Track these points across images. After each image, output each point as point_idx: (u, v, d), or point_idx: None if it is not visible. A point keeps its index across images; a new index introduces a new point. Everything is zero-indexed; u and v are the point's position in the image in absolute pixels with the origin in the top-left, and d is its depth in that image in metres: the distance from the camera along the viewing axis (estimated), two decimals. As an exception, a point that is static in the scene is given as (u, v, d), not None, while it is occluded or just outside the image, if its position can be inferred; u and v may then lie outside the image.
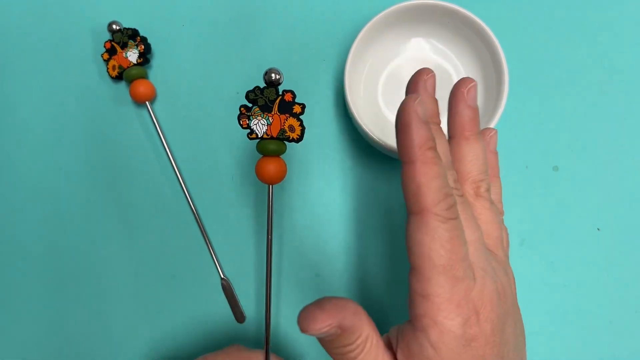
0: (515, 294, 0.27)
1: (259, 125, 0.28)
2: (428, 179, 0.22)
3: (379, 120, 0.36)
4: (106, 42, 0.39)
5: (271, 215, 0.29)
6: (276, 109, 0.28)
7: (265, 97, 0.28)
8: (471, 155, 0.26)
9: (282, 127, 0.28)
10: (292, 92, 0.28)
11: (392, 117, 0.37)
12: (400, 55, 0.37)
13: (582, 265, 0.35)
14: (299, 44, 0.39)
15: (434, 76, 0.27)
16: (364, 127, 0.33)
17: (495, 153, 0.29)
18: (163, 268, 0.37)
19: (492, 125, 0.32)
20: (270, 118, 0.28)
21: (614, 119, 0.37)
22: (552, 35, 0.38)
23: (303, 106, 0.28)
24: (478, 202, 0.26)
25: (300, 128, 0.28)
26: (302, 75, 0.39)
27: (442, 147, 0.25)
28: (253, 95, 0.28)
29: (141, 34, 0.39)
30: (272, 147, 0.28)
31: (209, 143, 0.38)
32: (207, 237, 0.37)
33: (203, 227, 0.37)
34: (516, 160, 0.37)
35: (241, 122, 0.28)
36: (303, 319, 0.22)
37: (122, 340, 0.37)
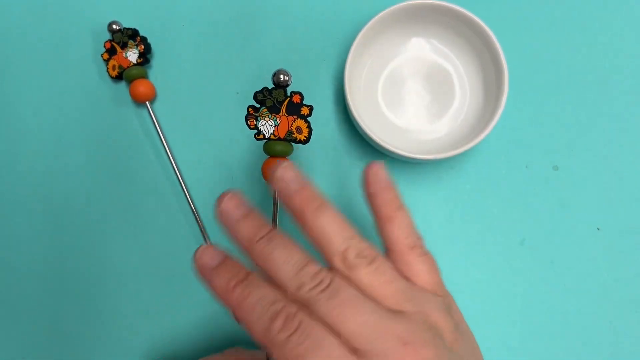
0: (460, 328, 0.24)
1: (267, 126, 0.29)
2: (249, 316, 0.21)
3: (379, 120, 0.36)
4: (106, 42, 0.39)
5: (276, 216, 0.29)
6: (284, 110, 0.28)
7: (274, 98, 0.28)
8: (328, 230, 0.23)
9: (289, 129, 0.28)
10: (300, 93, 0.28)
11: (392, 117, 0.37)
12: (400, 55, 0.37)
13: (582, 265, 0.35)
14: (299, 44, 0.39)
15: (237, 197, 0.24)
16: (364, 127, 0.33)
17: (390, 187, 0.26)
18: (163, 268, 0.37)
19: (492, 125, 0.32)
20: (278, 119, 0.28)
21: (614, 119, 0.37)
22: (552, 35, 0.38)
23: (311, 108, 0.28)
24: (367, 275, 0.22)
25: (307, 130, 0.28)
26: (302, 75, 0.39)
27: None
28: (261, 96, 0.28)
29: (141, 34, 0.39)
30: (279, 148, 0.29)
31: (209, 143, 0.38)
32: (207, 237, 0.37)
33: (203, 227, 0.37)
34: (516, 160, 0.37)
35: (249, 123, 0.29)
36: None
37: (122, 340, 0.37)
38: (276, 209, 0.29)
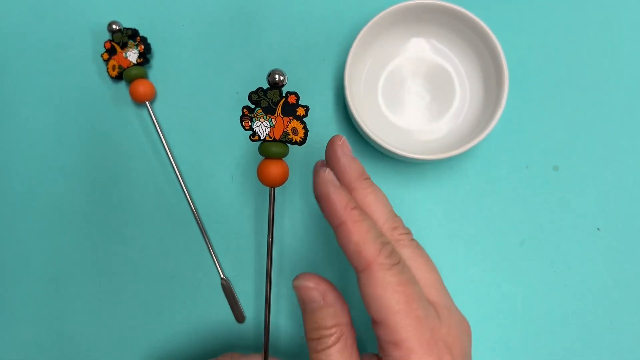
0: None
1: (262, 127, 0.28)
2: (362, 235, 0.23)
3: (379, 120, 0.36)
4: (106, 42, 0.39)
5: (272, 218, 0.29)
6: (279, 111, 0.28)
7: (269, 98, 0.28)
8: (378, 202, 0.26)
9: (285, 130, 0.28)
10: (296, 94, 0.28)
11: (392, 117, 0.37)
12: (400, 55, 0.37)
13: (582, 265, 0.35)
14: (299, 44, 0.39)
15: (345, 139, 0.27)
16: (364, 127, 0.33)
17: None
18: (163, 268, 0.37)
19: (492, 125, 0.32)
20: (273, 120, 0.28)
21: (614, 119, 0.37)
22: (552, 35, 0.38)
23: (307, 108, 0.28)
24: (405, 247, 0.26)
25: (303, 131, 0.28)
26: (302, 75, 0.39)
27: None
28: (256, 97, 0.28)
29: (141, 34, 0.39)
30: (274, 149, 0.28)
31: (209, 143, 0.38)
32: (207, 237, 0.37)
33: (203, 227, 0.37)
34: (516, 160, 0.37)
35: (243, 124, 0.28)
36: (299, 276, 0.25)
37: (122, 340, 0.37)
38: (272, 213, 0.29)
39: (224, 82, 0.39)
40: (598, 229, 0.36)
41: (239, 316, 0.36)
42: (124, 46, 0.39)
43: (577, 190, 0.36)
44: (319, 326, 0.24)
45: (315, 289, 0.24)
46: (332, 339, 0.24)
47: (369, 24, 0.34)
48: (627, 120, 0.37)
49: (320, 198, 0.24)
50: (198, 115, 0.39)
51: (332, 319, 0.24)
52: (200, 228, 0.37)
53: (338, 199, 0.23)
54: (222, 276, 0.36)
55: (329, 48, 0.39)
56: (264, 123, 0.28)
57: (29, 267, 0.38)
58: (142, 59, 0.38)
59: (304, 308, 0.25)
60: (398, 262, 0.23)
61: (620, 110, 0.37)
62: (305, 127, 0.28)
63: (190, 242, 0.37)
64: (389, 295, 0.22)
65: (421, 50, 0.37)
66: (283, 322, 0.36)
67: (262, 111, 0.28)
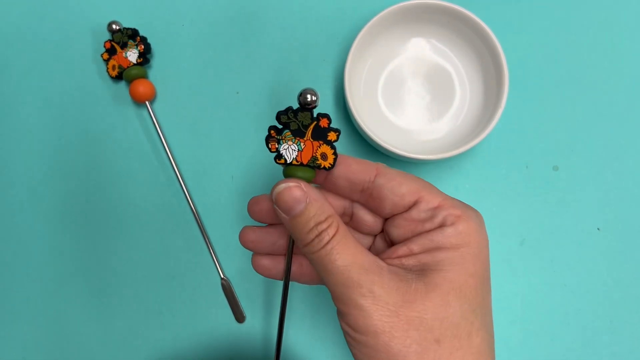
0: None
1: (289, 151, 0.26)
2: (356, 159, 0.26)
3: (379, 120, 0.36)
4: (106, 42, 0.39)
5: (292, 248, 0.27)
6: (309, 134, 0.26)
7: (299, 121, 0.26)
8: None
9: (314, 154, 0.26)
10: (328, 117, 0.26)
11: (392, 117, 0.37)
12: (400, 55, 0.37)
13: (582, 265, 0.35)
14: (299, 44, 0.39)
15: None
16: (364, 127, 0.33)
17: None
18: (163, 268, 0.37)
19: (492, 125, 0.32)
20: (302, 144, 0.26)
21: (614, 119, 0.37)
22: (552, 35, 0.38)
23: (339, 133, 0.26)
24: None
25: (333, 157, 0.26)
26: (302, 75, 0.39)
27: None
28: (285, 118, 0.26)
29: (141, 34, 0.39)
30: (300, 174, 0.26)
31: (209, 143, 0.38)
32: (207, 237, 0.37)
33: (203, 227, 0.37)
34: (516, 160, 0.37)
35: (270, 146, 0.26)
36: (278, 184, 0.24)
37: (122, 340, 0.37)
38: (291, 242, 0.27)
39: (224, 82, 0.39)
40: (598, 229, 0.36)
41: (239, 316, 0.36)
42: (124, 46, 0.39)
43: (577, 190, 0.36)
44: (315, 222, 0.23)
45: (298, 187, 0.24)
46: (331, 230, 0.23)
47: (369, 24, 0.34)
48: (627, 120, 0.37)
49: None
50: (198, 115, 0.39)
51: (324, 211, 0.24)
52: (200, 228, 0.37)
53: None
54: (222, 276, 0.36)
55: (329, 48, 0.39)
56: (292, 146, 0.26)
57: (29, 267, 0.38)
58: (142, 59, 0.38)
59: (291, 213, 0.24)
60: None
61: (620, 110, 0.37)
62: (335, 153, 0.26)
63: (190, 242, 0.37)
64: (408, 177, 0.25)
65: (421, 50, 0.37)
66: (286, 325, 0.36)
67: (291, 134, 0.26)
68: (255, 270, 0.29)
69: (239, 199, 0.37)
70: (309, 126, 0.26)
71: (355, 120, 0.33)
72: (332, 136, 0.26)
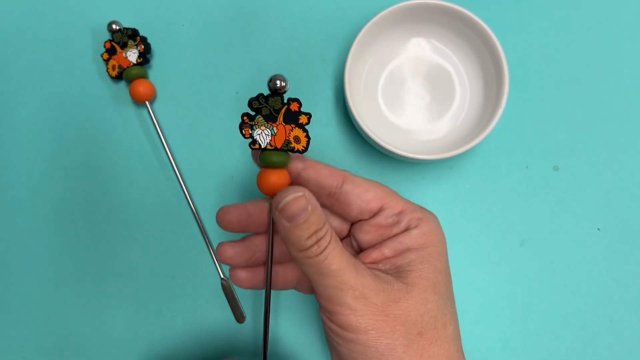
0: None
1: (263, 136, 0.27)
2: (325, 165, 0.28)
3: (379, 120, 0.36)
4: (106, 42, 0.39)
5: (272, 228, 0.28)
6: (281, 118, 0.27)
7: (270, 106, 0.26)
8: None
9: (287, 138, 0.27)
10: (298, 100, 0.27)
11: (392, 117, 0.37)
12: (400, 55, 0.37)
13: (582, 265, 0.35)
14: (299, 44, 0.39)
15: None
16: (364, 127, 0.33)
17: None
18: (163, 268, 0.37)
19: (492, 125, 0.32)
20: (274, 128, 0.27)
21: (614, 119, 0.37)
22: (552, 35, 0.38)
23: (309, 116, 0.27)
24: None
25: (306, 139, 0.27)
26: (302, 75, 0.39)
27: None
28: (257, 104, 0.26)
29: (141, 34, 0.39)
30: (275, 158, 0.27)
31: (209, 143, 0.38)
32: (207, 237, 0.37)
33: (203, 227, 0.37)
34: (516, 160, 0.37)
35: (243, 132, 0.27)
36: (283, 192, 0.25)
37: (121, 340, 0.37)
38: (272, 226, 0.28)
39: (224, 82, 0.39)
40: (598, 229, 0.36)
41: (239, 316, 0.36)
42: (124, 46, 0.39)
43: (577, 190, 0.36)
44: (314, 229, 0.24)
45: (304, 196, 0.24)
46: (327, 236, 0.25)
47: (369, 24, 0.34)
48: (627, 120, 0.37)
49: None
50: (198, 115, 0.39)
51: (322, 218, 0.25)
52: (200, 228, 0.37)
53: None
54: (222, 276, 0.36)
55: (329, 48, 0.39)
56: (265, 131, 0.27)
57: (29, 267, 0.38)
58: (142, 59, 0.38)
59: (295, 221, 0.24)
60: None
61: (620, 110, 0.37)
62: (307, 135, 0.27)
63: (190, 242, 0.37)
64: (373, 184, 0.28)
65: (421, 50, 0.37)
66: (282, 322, 0.36)
67: (263, 119, 0.27)
68: (234, 284, 0.29)
69: (239, 199, 0.37)
70: (280, 110, 0.27)
71: (355, 120, 0.33)
72: (303, 119, 0.27)
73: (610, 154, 0.36)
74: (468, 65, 0.36)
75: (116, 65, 0.39)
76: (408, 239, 0.26)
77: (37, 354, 0.37)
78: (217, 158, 0.38)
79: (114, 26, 0.39)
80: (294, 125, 0.27)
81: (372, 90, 0.37)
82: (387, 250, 0.26)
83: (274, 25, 0.40)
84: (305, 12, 0.40)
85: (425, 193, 0.37)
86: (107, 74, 0.40)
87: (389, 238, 0.27)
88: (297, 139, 0.27)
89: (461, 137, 0.35)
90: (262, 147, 0.27)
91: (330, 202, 0.28)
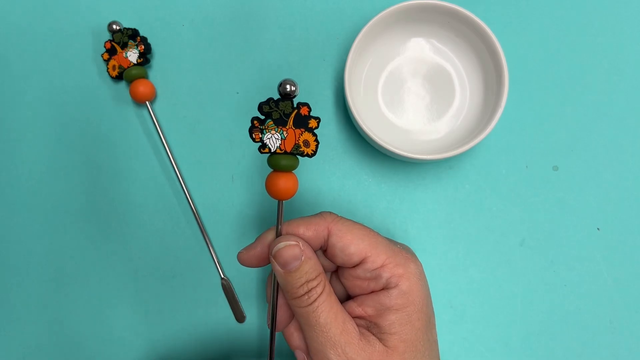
0: None
1: (273, 140, 0.27)
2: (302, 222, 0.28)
3: (379, 120, 0.36)
4: (106, 42, 0.39)
5: (280, 232, 0.28)
6: (291, 123, 0.27)
7: (281, 110, 0.27)
8: None
9: (296, 142, 0.27)
10: (308, 105, 0.27)
11: (392, 117, 0.37)
12: (400, 55, 0.37)
13: (582, 265, 0.35)
14: (299, 44, 0.39)
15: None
16: (364, 127, 0.33)
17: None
18: (163, 268, 0.37)
19: (492, 125, 0.32)
20: (284, 132, 0.27)
21: (614, 119, 0.37)
22: (552, 35, 0.38)
23: (319, 120, 0.27)
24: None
25: (315, 143, 0.27)
26: (302, 75, 0.39)
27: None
28: (267, 108, 0.27)
29: (141, 34, 0.39)
30: (284, 162, 0.27)
31: (209, 143, 0.38)
32: (207, 237, 0.37)
33: (203, 227, 0.37)
34: (516, 160, 0.37)
35: (253, 136, 0.27)
36: (279, 240, 0.26)
37: (122, 340, 0.37)
38: (280, 222, 0.28)
39: (224, 82, 0.39)
40: (598, 229, 0.36)
41: (239, 316, 0.36)
42: (124, 46, 0.39)
43: (577, 190, 0.36)
44: (306, 279, 0.25)
45: (297, 245, 0.26)
46: (318, 288, 0.25)
47: (369, 24, 0.34)
48: (627, 120, 0.37)
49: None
50: (198, 115, 0.39)
51: (315, 269, 0.26)
52: (200, 228, 0.37)
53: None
54: (222, 276, 0.36)
55: (329, 48, 0.39)
56: (275, 135, 0.27)
57: (29, 267, 0.38)
58: (142, 59, 0.38)
59: (287, 268, 0.26)
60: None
61: (620, 110, 0.37)
62: (316, 140, 0.27)
63: (190, 242, 0.37)
64: (357, 233, 0.27)
65: (421, 50, 0.37)
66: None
67: (274, 123, 0.27)
68: (240, 261, 0.29)
69: (239, 199, 0.37)
70: (291, 115, 0.27)
71: (355, 120, 0.33)
72: (312, 123, 0.27)
73: (610, 154, 0.36)
74: (468, 65, 0.36)
75: (116, 65, 0.39)
76: (388, 300, 0.26)
77: (37, 354, 0.37)
78: (217, 158, 0.38)
79: (114, 26, 0.39)
80: (303, 130, 0.27)
81: (372, 90, 0.37)
82: (368, 308, 0.27)
83: (274, 25, 0.40)
84: (305, 12, 0.40)
85: (425, 193, 0.37)
86: (107, 74, 0.40)
87: (370, 294, 0.27)
88: (306, 143, 0.27)
89: (461, 137, 0.35)
90: (272, 151, 0.27)
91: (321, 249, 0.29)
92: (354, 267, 0.27)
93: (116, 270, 0.37)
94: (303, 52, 0.39)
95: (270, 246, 0.27)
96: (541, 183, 0.36)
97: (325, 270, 0.30)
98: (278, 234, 0.28)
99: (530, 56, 0.38)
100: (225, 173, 0.38)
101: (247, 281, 0.37)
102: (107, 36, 0.40)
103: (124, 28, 0.39)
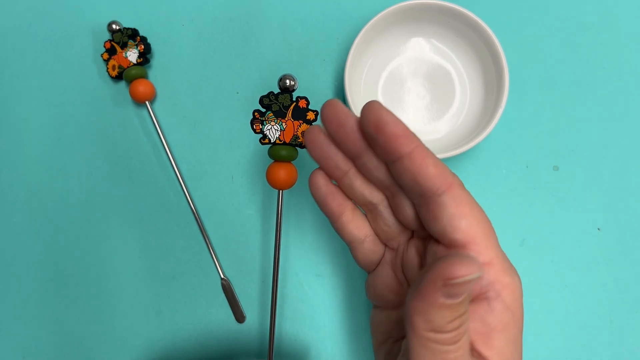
0: None
1: (272, 131, 0.29)
2: (434, 156, 0.21)
3: (379, 120, 0.36)
4: (106, 42, 0.39)
5: (280, 219, 0.29)
6: (290, 115, 0.28)
7: (280, 102, 0.28)
8: None
9: (295, 133, 0.28)
10: (306, 98, 0.28)
11: (392, 117, 0.36)
12: (400, 55, 0.37)
13: (582, 265, 0.35)
14: (299, 44, 0.39)
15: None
16: (364, 127, 0.33)
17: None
18: (163, 268, 0.37)
19: (492, 125, 0.32)
20: (283, 124, 0.28)
21: (614, 119, 0.37)
22: (552, 35, 0.38)
23: (317, 113, 0.28)
24: None
25: None
26: (302, 75, 0.39)
27: None
28: (267, 101, 0.28)
29: (141, 34, 0.39)
30: (284, 152, 0.29)
31: (209, 143, 0.38)
32: (207, 237, 0.37)
33: (203, 227, 0.37)
34: (516, 160, 0.37)
35: (254, 127, 0.29)
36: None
37: (122, 340, 0.37)
38: (280, 215, 0.29)
39: (224, 82, 0.39)
40: (598, 229, 0.36)
41: (239, 316, 0.36)
42: (124, 46, 0.39)
43: (577, 190, 0.36)
44: (460, 312, 0.19)
45: (477, 265, 0.19)
46: (465, 325, 0.20)
47: (369, 24, 0.34)
48: (627, 120, 0.37)
49: (377, 129, 0.21)
50: (198, 115, 0.39)
51: (466, 302, 0.20)
52: (200, 228, 0.37)
53: (398, 127, 0.21)
54: (222, 276, 0.36)
55: (329, 48, 0.39)
56: (275, 126, 0.28)
57: (29, 267, 0.38)
58: (142, 59, 0.38)
59: (454, 298, 0.19)
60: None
61: (620, 110, 0.37)
62: None
63: (190, 242, 0.37)
64: (476, 212, 0.21)
65: (421, 50, 0.37)
66: (285, 323, 0.36)
67: (273, 115, 0.28)
68: (310, 184, 0.26)
69: (239, 199, 0.37)
70: (289, 107, 0.28)
71: (355, 120, 0.33)
72: (310, 115, 0.28)
73: (610, 154, 0.36)
74: (468, 65, 0.36)
75: (116, 65, 0.39)
76: (492, 318, 0.21)
77: (37, 354, 0.37)
78: (217, 158, 0.38)
79: (114, 26, 0.39)
80: (301, 122, 0.28)
81: (372, 90, 0.37)
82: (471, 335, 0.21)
83: (273, 25, 0.40)
84: (305, 12, 0.40)
85: (425, 193, 0.37)
86: (107, 74, 0.40)
87: (472, 315, 0.21)
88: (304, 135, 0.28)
89: (461, 137, 0.35)
90: (272, 141, 0.29)
91: (415, 200, 0.23)
92: (442, 245, 0.22)
93: (116, 270, 0.37)
94: (303, 52, 0.39)
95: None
96: (541, 183, 0.36)
97: (407, 224, 0.24)
98: (277, 224, 0.28)
99: (530, 56, 0.38)
100: (225, 173, 0.38)
101: (247, 281, 0.37)
102: (107, 36, 0.40)
103: (124, 28, 0.39)
